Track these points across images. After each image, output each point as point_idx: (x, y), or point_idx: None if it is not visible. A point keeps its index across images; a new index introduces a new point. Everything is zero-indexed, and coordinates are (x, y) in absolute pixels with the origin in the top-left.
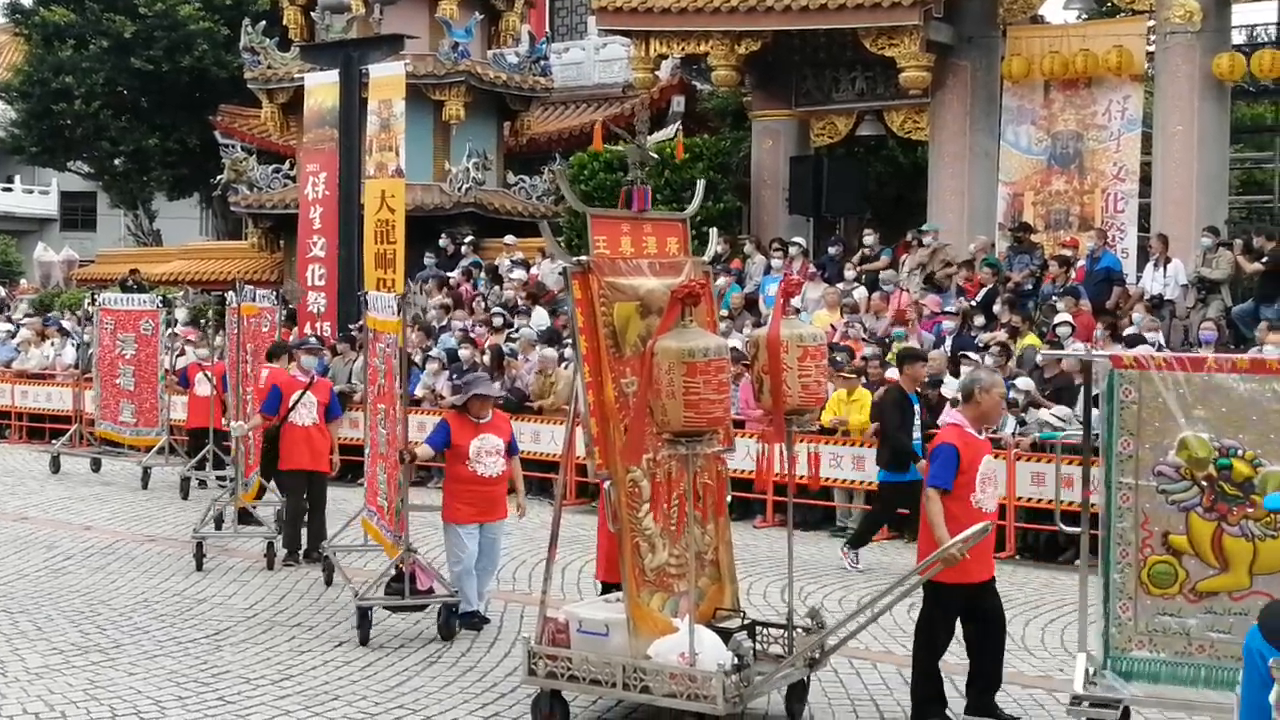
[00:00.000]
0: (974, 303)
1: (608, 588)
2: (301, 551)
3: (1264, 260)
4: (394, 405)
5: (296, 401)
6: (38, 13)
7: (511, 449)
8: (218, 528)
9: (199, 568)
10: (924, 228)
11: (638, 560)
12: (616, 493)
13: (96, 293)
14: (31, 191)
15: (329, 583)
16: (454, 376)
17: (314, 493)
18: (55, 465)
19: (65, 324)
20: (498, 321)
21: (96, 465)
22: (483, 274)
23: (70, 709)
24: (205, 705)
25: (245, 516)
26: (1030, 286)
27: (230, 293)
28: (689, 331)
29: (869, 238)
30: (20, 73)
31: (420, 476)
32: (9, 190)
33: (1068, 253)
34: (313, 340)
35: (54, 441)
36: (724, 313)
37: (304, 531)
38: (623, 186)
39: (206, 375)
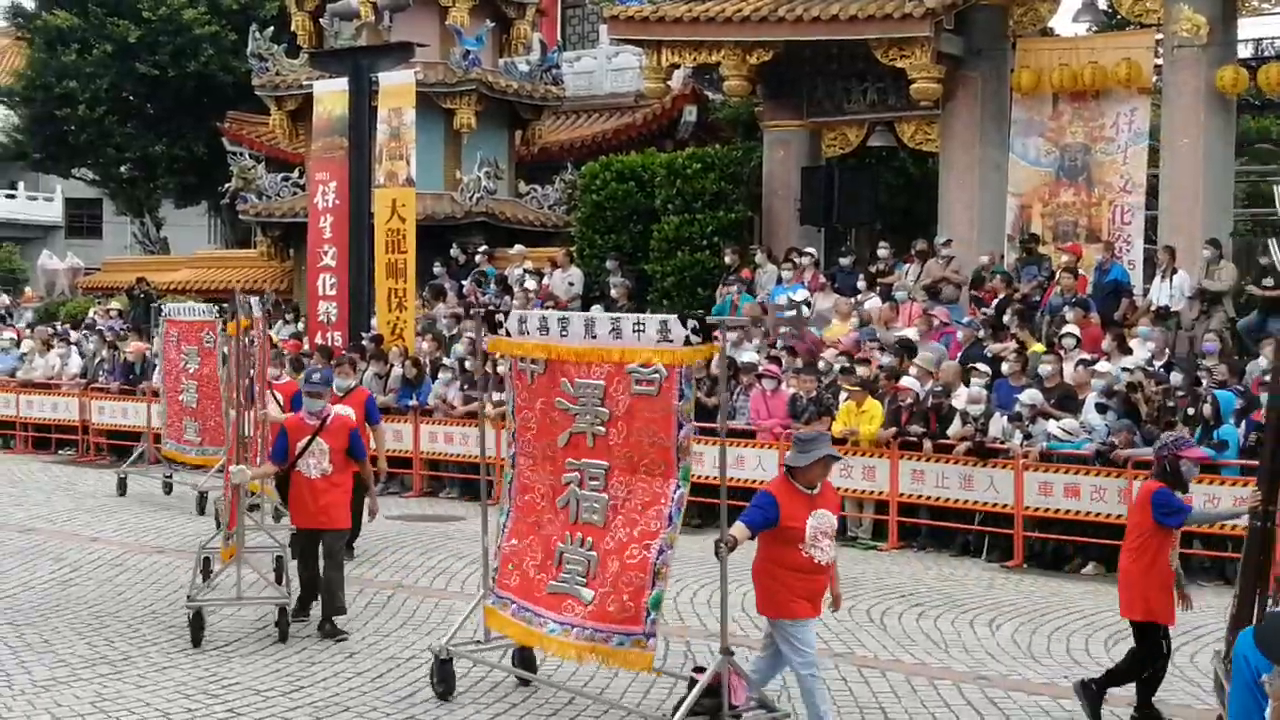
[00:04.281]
0: (989, 312)
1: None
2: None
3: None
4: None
5: (304, 449)
6: (40, 16)
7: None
8: (205, 578)
9: (196, 644)
10: (940, 239)
11: None
12: None
13: (163, 302)
14: (35, 198)
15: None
16: (464, 386)
17: (326, 552)
18: (122, 488)
19: (73, 334)
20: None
21: (168, 488)
22: (492, 284)
23: None
24: (214, 717)
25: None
26: (1038, 298)
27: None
28: None
29: (883, 250)
30: (23, 77)
31: (432, 487)
32: (12, 197)
33: (1068, 258)
34: (316, 377)
35: (121, 461)
36: None
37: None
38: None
39: (275, 396)
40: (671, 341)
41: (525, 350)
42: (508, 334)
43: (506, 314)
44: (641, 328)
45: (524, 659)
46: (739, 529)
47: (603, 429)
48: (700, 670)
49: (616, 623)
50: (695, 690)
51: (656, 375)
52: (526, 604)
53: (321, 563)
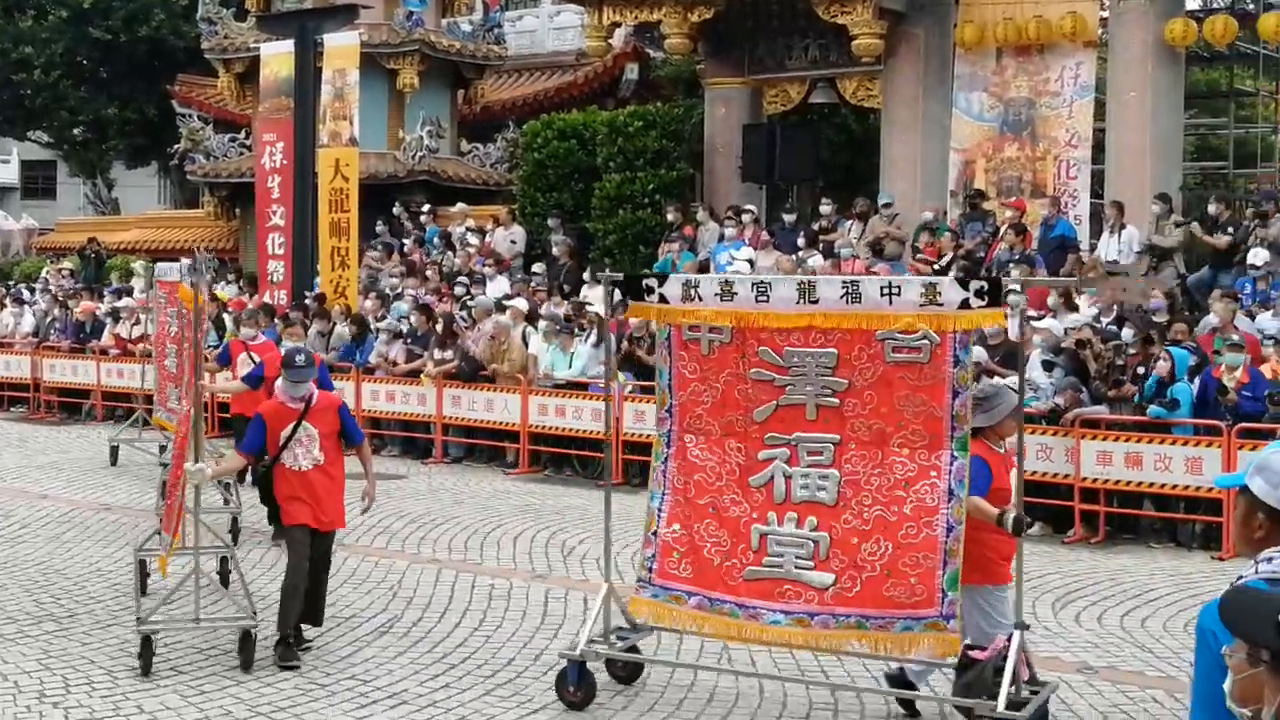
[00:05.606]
0: (936, 268)
1: None
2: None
3: (1229, 231)
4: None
5: (289, 437)
6: None
7: None
8: (143, 592)
9: (145, 672)
10: (882, 199)
11: None
12: None
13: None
14: None
15: None
16: (408, 341)
17: (315, 555)
18: (114, 457)
19: (24, 293)
20: (459, 290)
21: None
22: (436, 240)
23: (24, 679)
24: (158, 675)
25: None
26: (982, 254)
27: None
28: None
29: (825, 207)
30: None
31: (374, 445)
32: None
33: (1011, 214)
34: (300, 359)
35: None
36: None
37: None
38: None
39: (251, 355)
40: (941, 305)
41: (700, 318)
42: (662, 299)
43: (661, 279)
44: (895, 291)
45: (630, 649)
46: (984, 502)
47: (833, 400)
48: (974, 648)
49: (901, 607)
50: (1008, 669)
51: (925, 342)
52: (719, 595)
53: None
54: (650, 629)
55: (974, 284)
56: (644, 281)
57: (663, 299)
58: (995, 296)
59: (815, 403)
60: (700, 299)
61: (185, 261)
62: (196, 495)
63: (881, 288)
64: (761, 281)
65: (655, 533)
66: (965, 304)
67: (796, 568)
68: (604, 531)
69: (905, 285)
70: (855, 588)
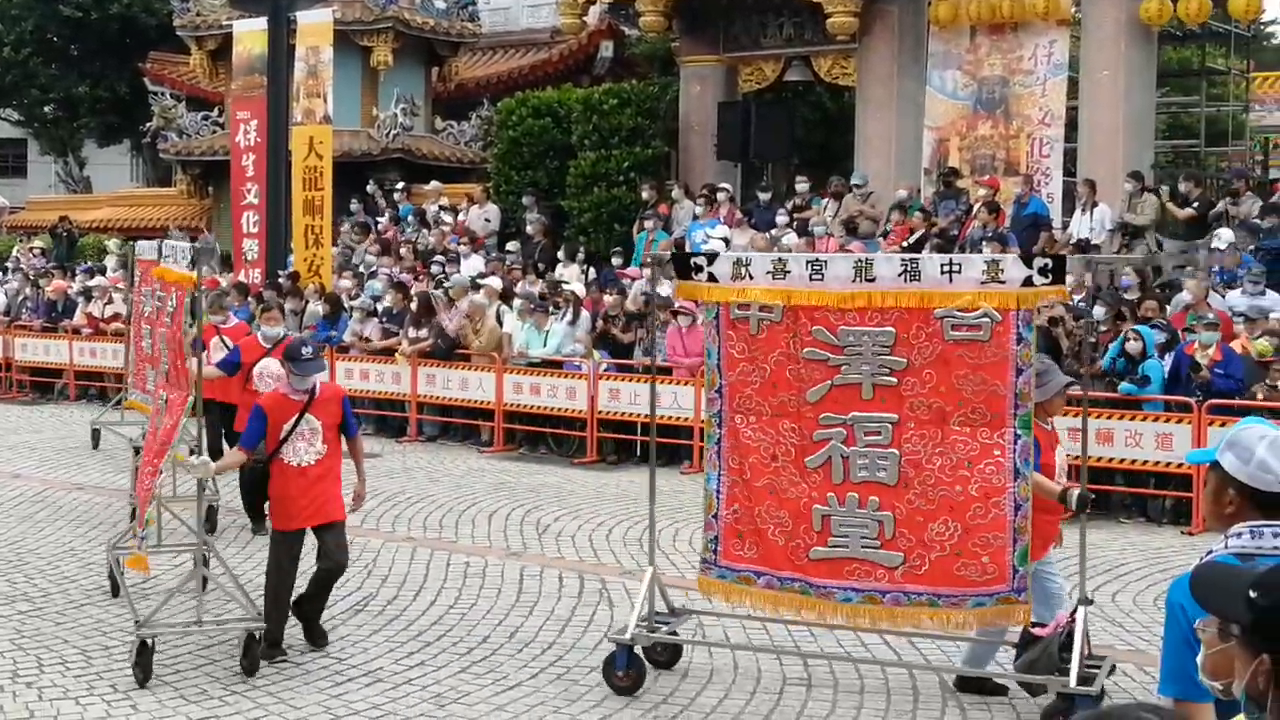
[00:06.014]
0: (904, 247)
1: None
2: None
3: (1194, 205)
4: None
5: (291, 430)
6: None
7: None
8: (114, 594)
9: (142, 683)
10: (855, 180)
11: None
12: None
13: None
14: None
15: None
16: (384, 320)
17: (335, 545)
18: (95, 439)
19: None
20: (435, 269)
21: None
22: (411, 219)
23: None
24: (131, 654)
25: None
26: (955, 232)
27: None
28: None
29: (801, 185)
30: None
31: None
32: None
33: (985, 192)
34: (307, 351)
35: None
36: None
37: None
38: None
39: (225, 341)
40: (1004, 283)
41: (750, 296)
42: (711, 278)
43: (711, 258)
44: (955, 268)
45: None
46: (1045, 480)
47: (891, 379)
48: (1038, 625)
49: (973, 585)
50: (1076, 644)
51: (985, 319)
52: (788, 574)
53: (329, 562)
54: (689, 613)
55: (1038, 261)
56: (693, 259)
57: (712, 277)
58: (1060, 274)
59: (872, 382)
60: (751, 277)
61: (182, 245)
62: (200, 489)
63: (942, 265)
64: (816, 260)
65: (716, 515)
66: (1028, 281)
67: (863, 548)
68: (649, 517)
69: (966, 263)
70: (925, 566)
